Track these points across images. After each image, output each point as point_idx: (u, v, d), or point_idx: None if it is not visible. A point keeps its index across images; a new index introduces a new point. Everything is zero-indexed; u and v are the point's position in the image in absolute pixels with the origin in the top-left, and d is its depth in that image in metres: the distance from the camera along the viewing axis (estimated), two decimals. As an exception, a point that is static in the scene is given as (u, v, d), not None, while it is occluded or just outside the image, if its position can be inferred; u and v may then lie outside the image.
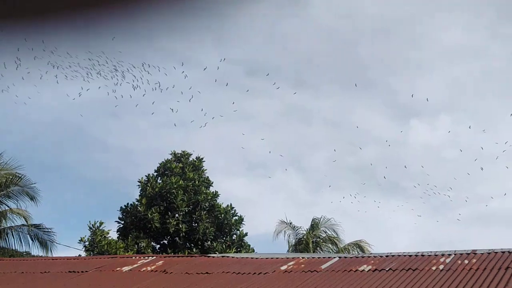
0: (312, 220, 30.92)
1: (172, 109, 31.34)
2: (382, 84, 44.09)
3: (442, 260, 14.85)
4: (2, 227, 28.49)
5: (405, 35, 44.34)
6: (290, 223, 31.32)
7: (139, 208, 27.51)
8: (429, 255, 15.52)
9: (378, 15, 35.05)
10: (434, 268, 14.40)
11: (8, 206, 28.82)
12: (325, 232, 30.77)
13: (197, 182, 28.60)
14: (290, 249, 30.64)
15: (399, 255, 15.89)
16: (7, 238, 28.26)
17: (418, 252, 15.82)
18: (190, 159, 29.90)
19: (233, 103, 27.44)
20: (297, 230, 31.20)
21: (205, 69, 25.17)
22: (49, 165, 50.51)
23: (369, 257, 16.69)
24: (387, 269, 14.75)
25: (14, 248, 28.27)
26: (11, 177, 28.60)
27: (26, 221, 28.71)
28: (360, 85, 45.50)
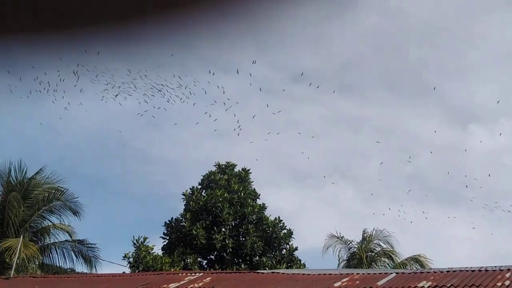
0: (364, 232, 30.19)
1: (215, 119, 31.10)
2: (436, 88, 43.04)
3: (508, 275, 14.23)
4: (46, 243, 28.56)
5: (460, 35, 43.22)
6: (341, 237, 30.61)
7: (183, 223, 27.20)
8: (493, 270, 14.91)
9: (430, 14, 34.16)
10: (499, 284, 13.80)
11: (51, 222, 28.94)
12: (379, 245, 29.99)
13: (243, 194, 28.16)
14: (342, 264, 29.94)
15: (461, 271, 15.32)
16: (51, 255, 28.34)
17: (481, 267, 15.23)
18: (235, 170, 29.53)
19: (279, 111, 27.00)
20: (348, 244, 30.49)
21: (250, 75, 24.88)
22: (91, 179, 50.72)
23: (428, 272, 16.14)
24: (448, 286, 14.19)
25: (58, 265, 28.26)
26: (53, 191, 28.70)
27: (70, 237, 28.77)
28: (412, 90, 44.78)
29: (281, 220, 27.93)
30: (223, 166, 29.65)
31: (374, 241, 30.10)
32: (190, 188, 28.76)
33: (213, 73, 23.80)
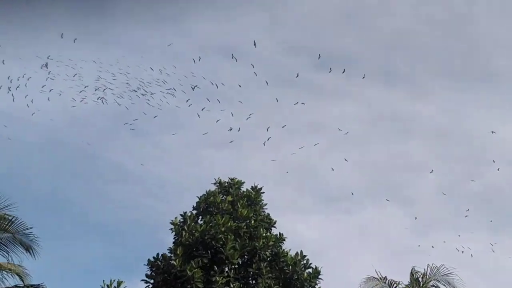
0: (413, 270, 23.54)
1: (217, 120, 25.34)
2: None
3: None
4: (-10, 289, 21.75)
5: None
6: (384, 278, 23.92)
7: (173, 261, 20.71)
8: None
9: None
10: None
11: (-4, 261, 22.02)
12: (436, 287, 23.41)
13: (253, 222, 21.91)
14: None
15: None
16: (-4, 305, 21.71)
17: None
18: (243, 189, 23.27)
19: (298, 102, 21.11)
20: (395, 286, 23.80)
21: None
22: (48, 202, 42.16)
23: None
24: None
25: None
26: (-1, 220, 21.92)
27: (22, 281, 22.25)
28: (480, 78, 36.56)
29: (305, 256, 21.59)
30: (226, 184, 23.36)
31: (430, 282, 23.44)
32: (182, 214, 22.29)
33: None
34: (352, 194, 31.99)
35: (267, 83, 26.35)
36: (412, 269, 23.91)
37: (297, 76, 27.68)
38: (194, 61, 24.59)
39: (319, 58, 24.09)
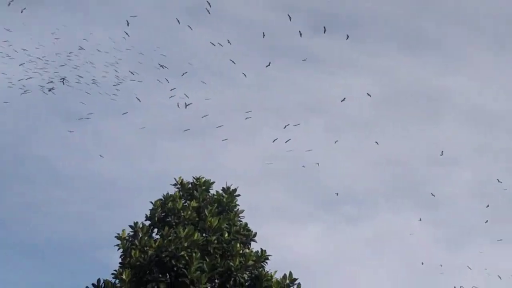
0: None
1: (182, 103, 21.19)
2: None
3: None
4: None
5: None
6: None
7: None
8: None
9: None
10: None
11: None
12: None
13: (226, 235, 17.19)
14: None
15: None
16: None
17: None
18: (212, 192, 18.57)
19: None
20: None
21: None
22: None
23: None
24: None
25: None
26: None
27: None
28: None
29: (295, 280, 16.80)
30: (190, 186, 18.63)
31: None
32: (131, 226, 17.50)
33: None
34: (337, 194, 26.87)
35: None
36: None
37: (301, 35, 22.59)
38: None
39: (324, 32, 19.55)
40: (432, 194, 26.23)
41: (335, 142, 23.71)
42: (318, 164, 22.10)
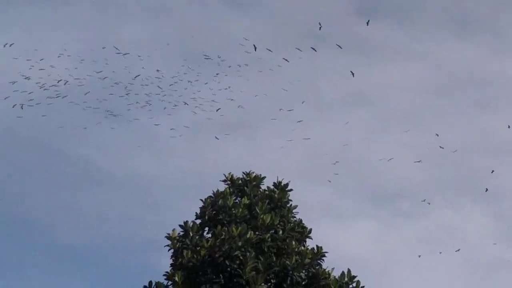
0: None
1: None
2: None
3: None
4: None
5: None
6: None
7: None
8: None
9: None
10: None
11: None
12: None
13: (280, 232, 17.01)
14: None
15: None
16: None
17: None
18: (263, 187, 18.41)
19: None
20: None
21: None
22: None
23: None
24: None
25: None
26: None
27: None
28: None
29: (354, 277, 16.43)
30: (240, 182, 18.44)
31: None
32: (181, 225, 17.32)
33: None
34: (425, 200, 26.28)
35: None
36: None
37: (320, 28, 22.61)
38: None
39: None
40: (487, 189, 25.74)
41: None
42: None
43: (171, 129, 25.88)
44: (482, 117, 35.28)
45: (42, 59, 23.98)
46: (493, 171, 25.69)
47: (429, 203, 25.86)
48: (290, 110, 23.46)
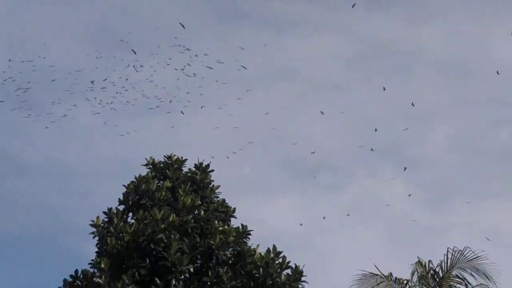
0: (421, 262, 19.47)
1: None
2: None
3: None
4: None
5: None
6: (387, 276, 19.66)
7: (98, 278, 16.37)
8: None
9: None
10: None
11: None
12: (462, 279, 19.23)
13: (203, 213, 17.40)
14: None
15: None
16: None
17: None
18: (185, 170, 18.70)
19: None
20: (404, 283, 19.61)
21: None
22: None
23: None
24: None
25: None
26: None
27: None
28: None
29: (280, 253, 16.99)
30: (162, 165, 18.69)
31: (453, 272, 19.24)
32: (105, 212, 17.56)
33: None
34: (313, 152, 26.94)
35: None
36: (419, 260, 19.74)
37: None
38: None
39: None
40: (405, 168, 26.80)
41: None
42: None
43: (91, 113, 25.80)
44: (401, 84, 36.15)
45: None
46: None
47: None
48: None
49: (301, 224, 25.64)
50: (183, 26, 24.11)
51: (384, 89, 25.76)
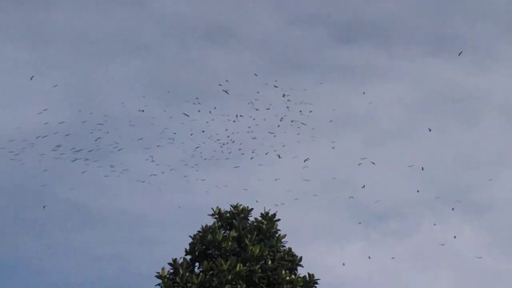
0: None
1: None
2: None
3: None
4: None
5: None
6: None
7: None
8: None
9: None
10: None
11: None
12: None
13: (270, 262, 17.32)
14: None
15: None
16: None
17: None
18: (251, 219, 18.71)
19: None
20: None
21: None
22: None
23: None
24: None
25: None
26: None
27: None
28: None
29: None
30: (228, 215, 18.72)
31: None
32: (171, 263, 17.53)
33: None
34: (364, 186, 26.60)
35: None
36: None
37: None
38: None
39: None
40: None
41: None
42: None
43: (156, 165, 26.14)
44: (466, 131, 35.78)
45: None
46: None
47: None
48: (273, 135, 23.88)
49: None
50: (227, 92, 24.69)
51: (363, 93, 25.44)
